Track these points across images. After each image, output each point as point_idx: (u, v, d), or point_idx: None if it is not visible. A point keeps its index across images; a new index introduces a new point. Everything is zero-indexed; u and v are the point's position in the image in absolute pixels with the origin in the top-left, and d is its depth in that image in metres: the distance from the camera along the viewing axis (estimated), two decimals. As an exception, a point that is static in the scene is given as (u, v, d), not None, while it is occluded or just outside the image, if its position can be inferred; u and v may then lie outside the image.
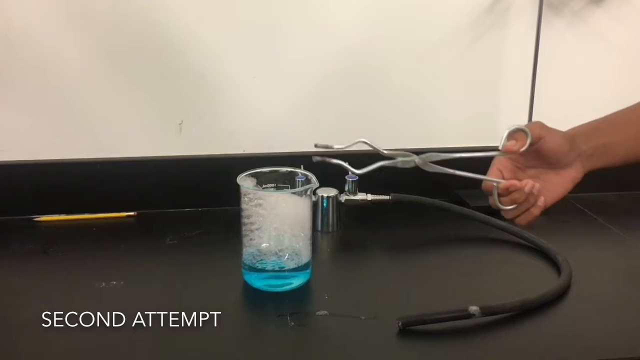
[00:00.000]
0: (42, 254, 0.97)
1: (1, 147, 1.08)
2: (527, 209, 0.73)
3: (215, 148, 1.14)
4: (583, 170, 0.73)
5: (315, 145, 0.74)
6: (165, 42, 1.09)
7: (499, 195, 0.73)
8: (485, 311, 0.78)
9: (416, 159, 0.76)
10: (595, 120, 0.75)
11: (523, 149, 0.71)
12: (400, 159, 0.77)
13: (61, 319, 0.79)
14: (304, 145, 1.14)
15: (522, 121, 1.13)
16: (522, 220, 0.74)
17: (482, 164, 0.78)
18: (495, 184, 0.73)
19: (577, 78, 1.20)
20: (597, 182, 1.21)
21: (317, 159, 0.74)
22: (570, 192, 0.76)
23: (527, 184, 0.71)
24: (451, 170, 0.75)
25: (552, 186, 0.73)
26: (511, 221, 0.78)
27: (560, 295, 0.84)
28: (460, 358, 0.74)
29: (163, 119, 1.12)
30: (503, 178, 0.74)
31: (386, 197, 1.08)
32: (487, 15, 1.15)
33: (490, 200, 0.75)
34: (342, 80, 1.15)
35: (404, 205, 1.08)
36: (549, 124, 1.13)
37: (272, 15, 1.11)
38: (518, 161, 0.75)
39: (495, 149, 0.74)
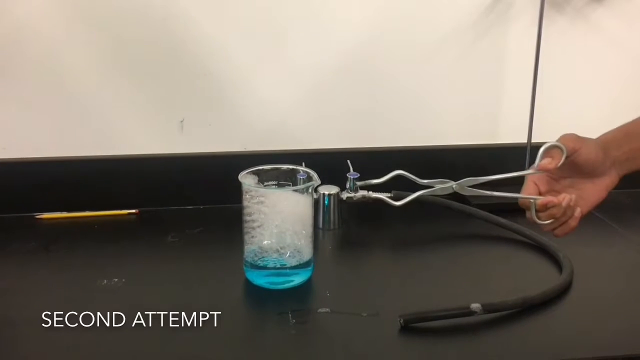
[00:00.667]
0: (43, 251, 0.97)
1: (3, 144, 1.08)
2: (565, 222, 0.73)
3: (217, 146, 1.13)
4: (618, 176, 0.74)
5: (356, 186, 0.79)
6: (167, 40, 1.09)
7: (537, 211, 0.73)
8: (487, 308, 0.78)
9: (454, 185, 0.79)
10: (624, 125, 0.75)
11: (559, 165, 0.72)
12: (438, 186, 0.81)
13: (62, 317, 0.79)
14: (305, 143, 1.15)
15: (524, 118, 1.14)
16: (560, 232, 0.75)
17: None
18: (532, 200, 0.73)
19: (579, 76, 1.20)
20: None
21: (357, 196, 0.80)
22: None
23: (565, 198, 0.71)
24: (489, 192, 0.79)
25: (588, 195, 0.73)
26: (528, 224, 0.79)
27: (561, 293, 0.84)
28: (462, 355, 0.74)
29: (165, 117, 1.12)
30: (539, 191, 0.75)
31: (388, 195, 1.08)
32: (488, 13, 1.15)
33: (528, 215, 0.76)
34: (344, 79, 1.15)
35: (406, 202, 1.08)
36: (551, 121, 1.14)
37: (275, 14, 1.10)
38: (554, 173, 0.75)
39: (530, 169, 0.76)
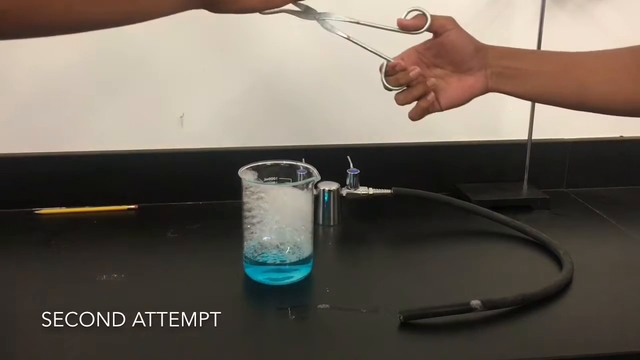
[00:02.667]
0: (43, 246, 0.96)
1: (2, 139, 1.08)
2: (415, 97, 0.73)
3: (217, 141, 1.13)
4: (486, 84, 0.73)
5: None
6: (166, 36, 1.08)
7: (386, 73, 0.73)
8: (487, 305, 0.78)
9: (319, 14, 0.75)
10: (519, 48, 0.75)
11: (420, 30, 0.72)
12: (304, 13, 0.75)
13: (61, 312, 0.79)
14: (305, 138, 1.15)
15: (525, 114, 1.14)
16: (412, 113, 0.75)
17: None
18: (385, 61, 0.73)
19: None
20: (600, 177, 1.23)
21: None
22: (469, 99, 0.76)
23: (415, 69, 0.72)
24: (345, 35, 0.75)
25: (451, 90, 0.73)
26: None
27: (561, 289, 0.84)
28: (462, 351, 0.74)
29: (164, 112, 1.12)
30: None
31: (387, 191, 1.08)
32: (490, 8, 1.15)
33: (380, 79, 0.75)
34: (344, 73, 1.14)
35: (405, 199, 1.08)
36: (552, 117, 1.13)
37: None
38: (424, 56, 0.75)
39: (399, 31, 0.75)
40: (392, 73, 0.73)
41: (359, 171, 1.06)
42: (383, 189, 1.07)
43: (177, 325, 0.77)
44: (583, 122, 1.22)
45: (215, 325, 0.77)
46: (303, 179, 0.88)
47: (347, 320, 0.78)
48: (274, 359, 0.73)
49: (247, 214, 0.86)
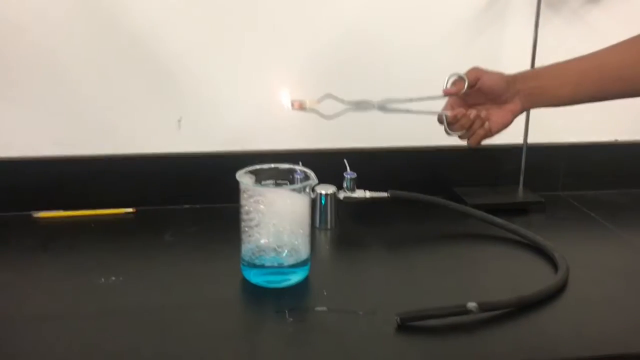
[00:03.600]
0: (41, 250, 0.97)
1: (0, 143, 1.08)
2: (474, 132, 0.87)
3: (214, 145, 1.14)
4: (522, 106, 0.87)
5: (292, 104, 0.83)
6: (163, 40, 1.09)
7: (449, 124, 0.87)
8: (483, 307, 0.78)
9: (375, 103, 0.87)
10: (541, 66, 0.89)
11: (462, 91, 0.87)
12: (362, 105, 0.87)
13: (60, 314, 0.79)
14: (302, 142, 1.15)
15: (520, 118, 1.15)
16: (472, 140, 0.88)
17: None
18: (444, 115, 0.87)
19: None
20: (594, 180, 1.24)
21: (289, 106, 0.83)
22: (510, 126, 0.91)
23: (472, 111, 0.86)
24: (405, 107, 0.87)
25: (496, 117, 0.87)
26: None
27: (557, 292, 0.85)
28: (458, 353, 0.75)
29: (162, 116, 1.13)
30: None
31: (384, 194, 1.08)
32: (485, 13, 1.16)
33: (444, 130, 0.89)
34: (340, 77, 1.14)
35: (402, 202, 1.09)
36: (547, 121, 1.14)
37: (270, 13, 1.11)
38: (466, 100, 0.89)
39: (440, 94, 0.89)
40: (454, 121, 0.87)
41: (355, 174, 1.07)
42: (380, 192, 1.08)
43: (175, 323, 0.78)
44: (578, 126, 1.24)
45: (213, 327, 0.77)
46: (300, 182, 0.88)
47: (344, 323, 0.78)
48: (272, 361, 0.74)
49: (244, 216, 0.87)
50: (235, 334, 0.78)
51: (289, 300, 0.83)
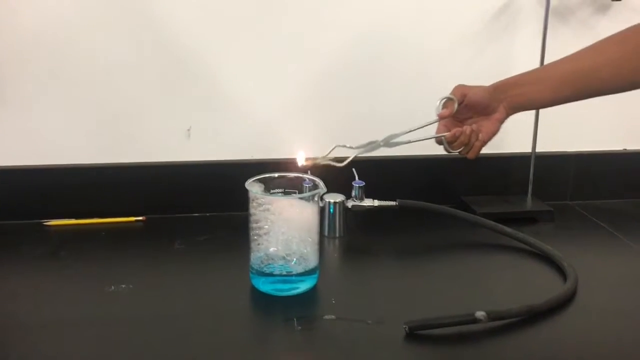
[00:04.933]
0: (52, 257, 0.98)
1: (11, 152, 1.10)
2: (472, 145, 0.92)
3: (224, 154, 1.14)
4: (507, 113, 0.92)
5: (300, 165, 0.89)
6: (175, 51, 1.10)
7: (449, 143, 0.92)
8: (492, 316, 0.78)
9: (380, 142, 0.92)
10: (520, 74, 0.92)
11: (454, 111, 0.91)
12: (369, 147, 0.92)
13: (70, 321, 0.80)
14: (311, 151, 1.15)
15: (529, 127, 1.15)
16: (471, 153, 0.93)
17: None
18: (443, 137, 0.93)
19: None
20: (603, 189, 1.23)
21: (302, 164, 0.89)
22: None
23: (467, 128, 0.91)
24: (406, 139, 0.92)
25: (486, 127, 0.92)
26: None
27: (566, 301, 0.85)
28: (467, 363, 0.75)
29: (172, 125, 1.14)
30: (449, 131, 0.93)
31: (393, 203, 1.08)
32: (493, 23, 1.16)
33: (444, 148, 0.94)
34: (350, 86, 1.16)
35: (410, 211, 1.09)
36: (556, 131, 1.16)
37: (279, 25, 1.12)
38: (458, 118, 0.94)
39: (439, 121, 0.94)
40: (453, 140, 0.91)
41: (364, 183, 1.07)
42: (388, 201, 1.08)
43: (185, 329, 0.78)
44: (587, 135, 1.24)
45: (222, 335, 0.78)
46: (309, 191, 0.89)
47: (353, 331, 0.79)
48: (280, 369, 0.74)
49: (254, 225, 0.87)
50: (244, 342, 0.78)
51: (298, 309, 0.83)
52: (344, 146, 0.88)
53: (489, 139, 0.92)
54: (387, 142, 0.92)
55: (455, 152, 0.93)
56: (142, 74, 1.11)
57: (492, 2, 1.15)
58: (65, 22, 1.07)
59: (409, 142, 0.91)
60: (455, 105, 0.91)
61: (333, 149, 0.88)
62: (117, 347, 0.75)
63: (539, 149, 1.17)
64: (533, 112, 1.14)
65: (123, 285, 0.88)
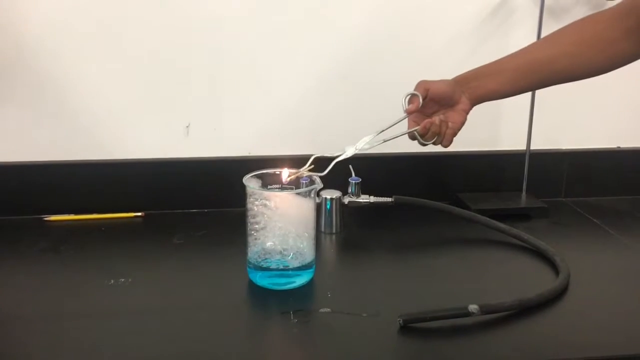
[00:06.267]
0: (52, 252, 0.99)
1: (12, 148, 1.11)
2: (444, 134, 0.93)
3: (221, 150, 1.16)
4: (470, 103, 0.93)
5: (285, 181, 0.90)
6: (172, 47, 1.11)
7: (421, 136, 0.93)
8: (485, 309, 0.80)
9: (355, 148, 0.93)
10: (480, 66, 0.94)
11: (420, 105, 0.92)
12: (348, 151, 0.93)
13: (71, 314, 0.82)
14: (307, 147, 1.17)
15: (523, 124, 1.17)
16: (445, 142, 0.93)
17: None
18: (415, 131, 0.94)
19: (577, 83, 1.22)
20: (597, 186, 1.25)
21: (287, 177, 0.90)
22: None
23: (436, 118, 0.92)
24: (380, 139, 0.93)
25: (453, 118, 0.93)
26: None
27: (558, 295, 0.86)
28: (460, 354, 0.76)
29: (170, 122, 1.15)
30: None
31: (389, 200, 1.10)
32: (488, 22, 1.17)
33: (418, 142, 0.95)
34: (344, 84, 1.17)
35: (406, 207, 1.11)
36: (550, 128, 1.18)
37: (277, 22, 1.13)
38: (425, 112, 0.95)
39: (402, 115, 0.94)
40: (425, 132, 0.92)
41: (360, 179, 1.09)
42: (384, 197, 1.10)
43: (184, 321, 0.80)
44: (581, 133, 1.25)
45: (219, 328, 0.79)
46: (306, 187, 0.90)
47: (348, 324, 0.80)
48: (277, 360, 0.76)
49: (251, 220, 0.88)
50: (241, 335, 0.80)
51: (294, 302, 0.84)
52: (322, 156, 0.90)
53: (459, 128, 0.94)
54: (362, 149, 0.93)
55: (429, 144, 0.94)
56: (142, 71, 1.12)
57: (486, 1, 1.17)
58: (68, 18, 1.08)
59: (384, 141, 0.92)
60: (420, 100, 0.92)
61: (312, 160, 0.89)
62: (116, 338, 0.77)
63: (533, 147, 1.18)
64: (527, 107, 1.15)
65: (122, 279, 0.89)
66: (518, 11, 1.17)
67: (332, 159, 0.91)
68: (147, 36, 1.11)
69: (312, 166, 0.89)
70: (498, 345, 0.78)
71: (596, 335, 0.80)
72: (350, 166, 1.09)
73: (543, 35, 1.12)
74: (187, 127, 1.15)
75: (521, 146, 1.19)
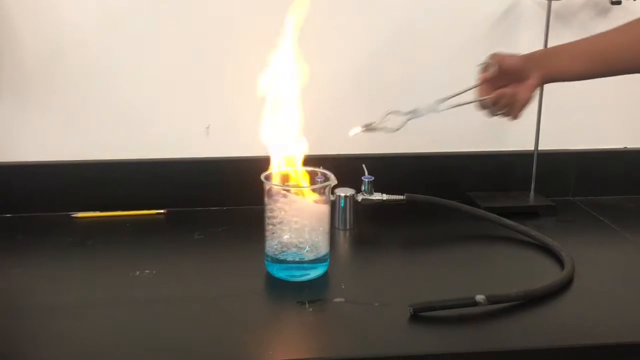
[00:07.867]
0: (79, 246, 1.04)
1: (43, 148, 1.17)
2: (514, 107, 0.94)
3: (240, 150, 1.20)
4: (538, 81, 0.94)
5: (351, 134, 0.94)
6: (196, 54, 1.16)
7: (493, 104, 0.94)
8: (491, 300, 0.83)
9: (427, 107, 0.95)
10: (553, 46, 0.97)
11: (495, 73, 0.93)
12: (423, 111, 0.96)
13: (98, 303, 0.86)
14: (322, 148, 1.21)
15: (531, 125, 1.20)
16: (514, 114, 0.94)
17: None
18: (488, 98, 0.94)
19: (584, 85, 1.24)
20: (604, 186, 1.27)
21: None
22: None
23: (507, 90, 0.93)
24: (453, 102, 0.94)
25: (521, 93, 0.93)
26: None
27: (563, 287, 0.90)
28: (467, 342, 0.79)
29: (192, 123, 1.20)
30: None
31: (401, 197, 1.14)
32: (495, 27, 1.21)
33: (488, 114, 0.96)
34: (359, 88, 1.20)
35: (418, 205, 1.14)
36: (558, 129, 1.22)
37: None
38: (495, 83, 0.95)
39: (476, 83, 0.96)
40: (497, 101, 0.93)
41: (373, 178, 1.13)
42: (396, 195, 1.14)
43: (205, 310, 0.84)
44: (589, 134, 1.28)
45: (239, 317, 0.84)
46: (320, 183, 0.94)
47: (361, 313, 0.84)
48: (293, 346, 0.80)
49: (269, 214, 0.93)
50: (260, 323, 0.84)
51: (310, 293, 0.88)
52: (397, 112, 0.92)
53: (526, 102, 0.95)
54: (435, 108, 0.94)
55: (498, 114, 0.95)
56: (165, 75, 1.17)
57: (494, 6, 1.20)
58: (90, 19, 1.13)
59: (458, 105, 0.93)
60: (495, 69, 0.93)
61: (387, 115, 0.92)
62: (141, 327, 0.81)
63: (541, 147, 1.21)
64: (535, 110, 1.18)
65: (147, 271, 0.94)
66: (525, 15, 1.20)
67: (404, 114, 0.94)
68: (170, 39, 1.15)
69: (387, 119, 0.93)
70: (504, 334, 0.81)
71: (599, 324, 0.83)
72: (364, 165, 1.13)
73: (550, 39, 1.16)
74: (207, 127, 1.20)
75: (529, 146, 1.22)
